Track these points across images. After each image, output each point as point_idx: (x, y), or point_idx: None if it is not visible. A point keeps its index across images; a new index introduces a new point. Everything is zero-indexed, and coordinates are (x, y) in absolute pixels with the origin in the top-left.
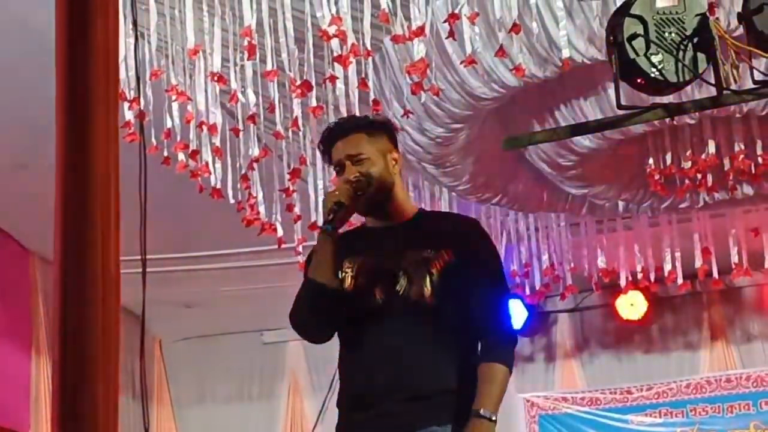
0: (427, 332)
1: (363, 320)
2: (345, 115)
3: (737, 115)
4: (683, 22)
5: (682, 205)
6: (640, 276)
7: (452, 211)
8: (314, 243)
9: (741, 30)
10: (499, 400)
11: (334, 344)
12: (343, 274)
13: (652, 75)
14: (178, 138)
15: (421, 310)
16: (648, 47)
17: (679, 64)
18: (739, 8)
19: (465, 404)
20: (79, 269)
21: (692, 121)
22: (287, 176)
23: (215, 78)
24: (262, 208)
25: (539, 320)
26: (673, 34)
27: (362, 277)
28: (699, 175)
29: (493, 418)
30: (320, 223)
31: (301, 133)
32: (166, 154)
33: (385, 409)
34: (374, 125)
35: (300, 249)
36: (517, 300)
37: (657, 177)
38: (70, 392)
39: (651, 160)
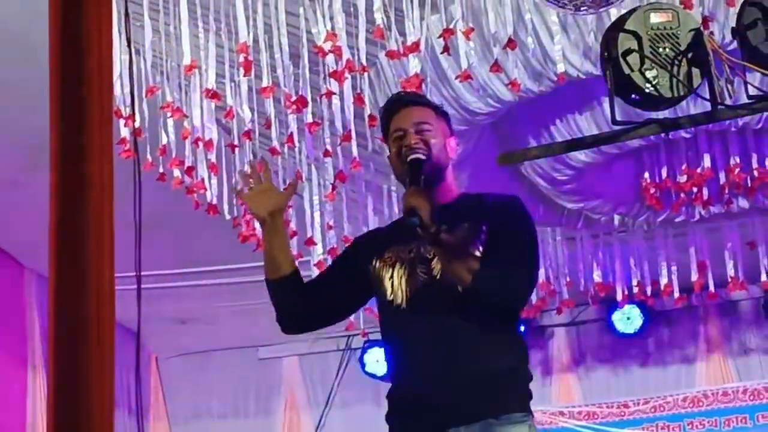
0: (470, 317)
1: (406, 311)
2: (341, 130)
3: (732, 130)
4: (677, 38)
5: (678, 219)
6: (636, 290)
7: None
8: (310, 258)
9: (735, 44)
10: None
11: (330, 360)
12: (380, 265)
13: (647, 90)
14: (174, 154)
15: (459, 295)
16: (642, 62)
17: (674, 80)
18: (733, 23)
19: (521, 384)
20: (74, 285)
21: (687, 136)
22: None
23: (210, 94)
24: (257, 224)
25: (536, 335)
26: (667, 50)
27: (399, 269)
28: (694, 189)
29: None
30: (316, 239)
31: (297, 149)
32: (161, 170)
33: (443, 401)
34: (440, 109)
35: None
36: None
37: (652, 191)
38: (65, 409)
39: (646, 174)
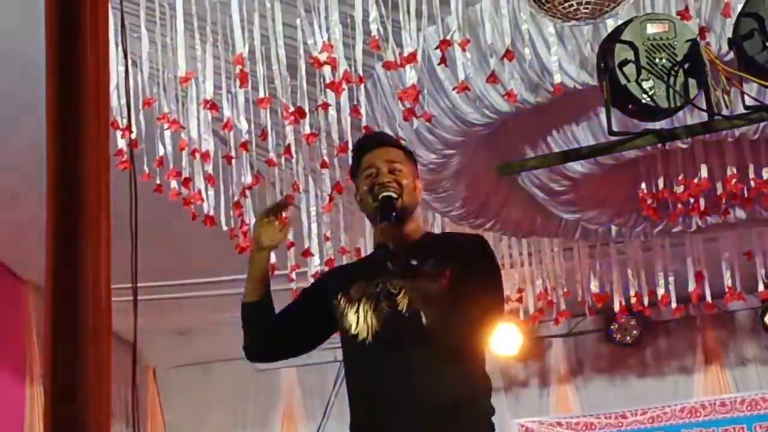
0: (434, 351)
1: (370, 346)
2: (338, 141)
3: (729, 140)
4: (674, 48)
5: (675, 229)
6: (633, 300)
7: (458, 232)
8: (306, 269)
9: (732, 55)
10: None
11: (327, 371)
12: (344, 301)
13: (644, 101)
14: (171, 166)
15: (424, 329)
16: (639, 73)
17: (670, 90)
18: (729, 33)
19: (482, 416)
20: (70, 297)
21: (684, 146)
22: None
23: (207, 106)
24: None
25: (533, 345)
26: (664, 60)
27: (364, 304)
28: (691, 199)
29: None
30: (313, 250)
31: (293, 160)
32: (158, 181)
33: None
34: (409, 151)
35: (293, 276)
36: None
37: (649, 201)
38: (62, 421)
39: (643, 185)
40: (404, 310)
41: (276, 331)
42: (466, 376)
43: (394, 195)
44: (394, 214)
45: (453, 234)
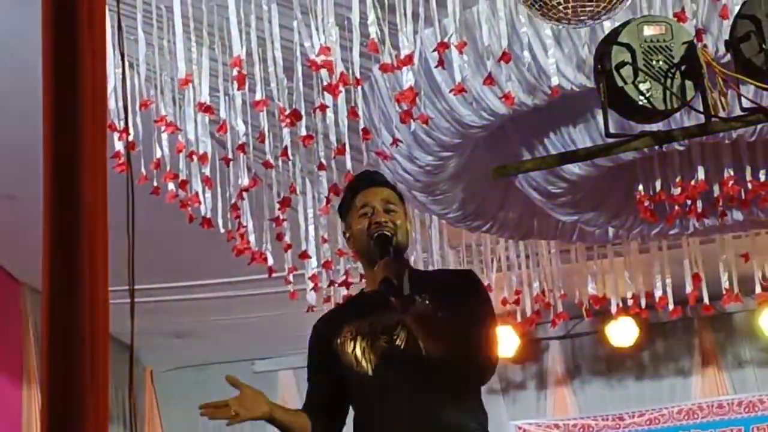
0: (434, 384)
1: (372, 380)
2: (335, 144)
3: (726, 142)
4: (671, 50)
5: (672, 232)
6: (630, 302)
7: (446, 268)
8: (304, 272)
9: (728, 57)
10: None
11: None
12: (342, 341)
13: (640, 103)
14: (168, 168)
15: (423, 365)
16: (636, 75)
17: (667, 92)
18: (726, 35)
19: None
20: (68, 299)
21: (681, 148)
22: (277, 205)
23: (204, 108)
24: (252, 238)
25: (530, 347)
26: (660, 62)
27: (362, 342)
28: (689, 202)
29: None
30: (311, 252)
31: (291, 163)
32: (155, 184)
33: None
34: (400, 192)
35: (290, 278)
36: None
37: (647, 203)
38: (59, 423)
39: (640, 187)
40: (402, 345)
41: (331, 422)
42: (465, 409)
43: (389, 234)
44: (392, 249)
45: (442, 270)
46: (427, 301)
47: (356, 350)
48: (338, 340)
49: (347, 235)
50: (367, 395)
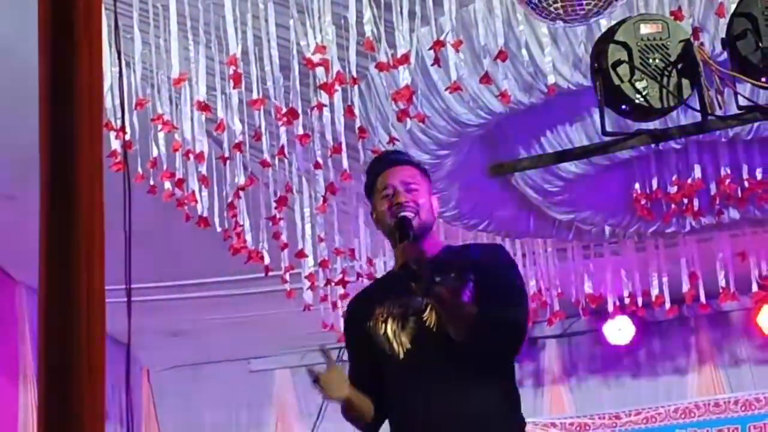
0: (465, 367)
1: (403, 363)
2: (332, 142)
3: (723, 140)
4: (667, 48)
5: (669, 230)
6: (627, 301)
7: (476, 242)
8: (300, 271)
9: (725, 55)
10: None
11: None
12: (374, 323)
13: (637, 101)
14: (165, 167)
15: (453, 347)
16: (632, 73)
17: (664, 90)
18: (723, 34)
19: (516, 427)
20: (64, 298)
21: (678, 146)
22: (274, 204)
23: (201, 107)
24: (248, 236)
25: (527, 346)
26: (657, 60)
27: (392, 324)
28: (685, 200)
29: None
30: (307, 251)
31: (287, 161)
32: (152, 182)
33: None
34: (424, 169)
35: (287, 277)
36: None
37: (643, 202)
38: (56, 422)
39: (637, 185)
40: (432, 326)
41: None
42: (497, 388)
43: (411, 214)
44: (411, 233)
45: (470, 245)
46: (448, 283)
47: (387, 332)
48: (370, 323)
49: (373, 216)
50: (398, 377)
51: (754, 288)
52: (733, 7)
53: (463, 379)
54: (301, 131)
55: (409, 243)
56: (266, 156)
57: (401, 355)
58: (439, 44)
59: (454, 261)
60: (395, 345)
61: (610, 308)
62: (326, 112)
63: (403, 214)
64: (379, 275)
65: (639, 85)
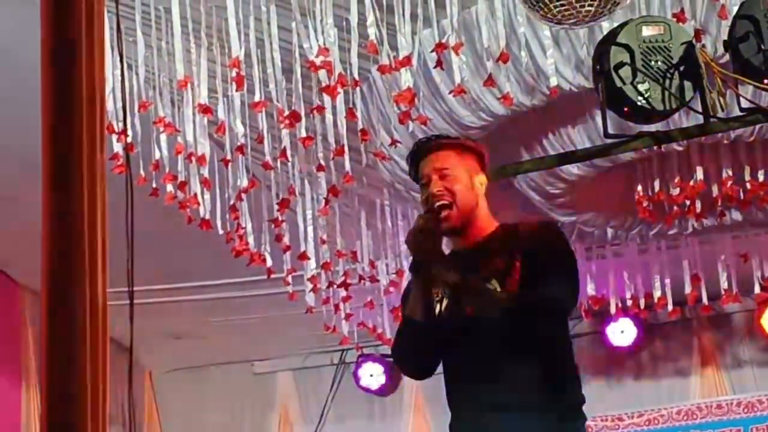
0: (519, 344)
1: (457, 343)
2: (333, 145)
3: (725, 142)
4: (669, 51)
5: (671, 232)
6: (629, 303)
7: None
8: (302, 273)
9: (727, 57)
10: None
11: (324, 375)
12: (435, 301)
13: (639, 103)
14: (167, 169)
15: (508, 323)
16: (635, 75)
17: (666, 93)
18: (725, 36)
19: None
20: (67, 301)
21: (680, 148)
22: (276, 207)
23: (203, 109)
24: (251, 239)
25: None
26: (659, 63)
27: (450, 301)
28: (687, 202)
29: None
30: (309, 254)
31: (289, 164)
32: (154, 185)
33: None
34: (464, 146)
35: (289, 279)
36: None
37: (645, 204)
38: (59, 426)
39: (639, 187)
40: (482, 312)
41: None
42: (549, 367)
43: (447, 202)
44: (445, 227)
45: (524, 224)
46: (501, 265)
47: (443, 312)
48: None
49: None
50: (452, 358)
51: (757, 290)
52: (736, 9)
53: (513, 358)
54: (303, 133)
55: (423, 239)
56: (268, 158)
57: (454, 336)
58: (441, 46)
59: (502, 245)
60: (450, 325)
61: (613, 310)
62: (328, 114)
63: (437, 204)
64: (380, 277)
65: (641, 87)
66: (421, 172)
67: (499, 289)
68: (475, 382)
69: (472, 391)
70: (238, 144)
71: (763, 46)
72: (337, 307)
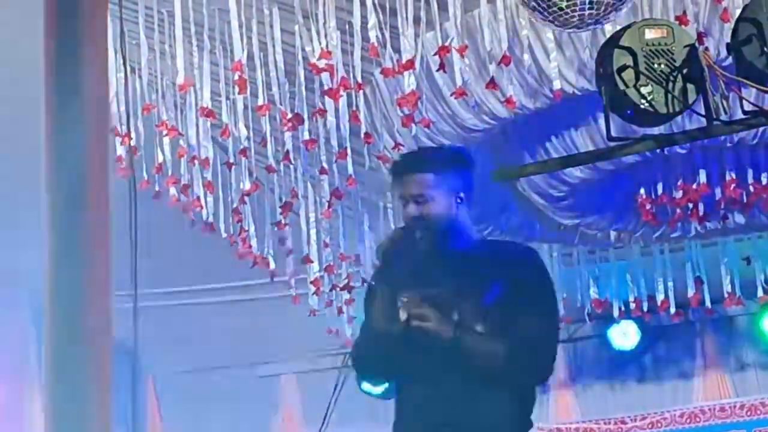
0: (470, 379)
1: (417, 355)
2: (337, 148)
3: (728, 145)
4: (672, 53)
5: (674, 235)
6: (632, 305)
7: (510, 241)
8: (306, 276)
9: (730, 60)
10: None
11: (327, 378)
12: (399, 306)
13: (642, 106)
14: (170, 172)
15: (461, 358)
16: (637, 78)
17: (669, 95)
18: (728, 39)
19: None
20: (71, 304)
21: (683, 151)
22: (279, 210)
23: (206, 113)
24: (254, 242)
25: None
26: (662, 65)
27: (416, 311)
28: (690, 205)
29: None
30: (313, 256)
31: (292, 167)
32: (157, 188)
33: None
34: (444, 162)
35: (292, 282)
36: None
37: (648, 207)
38: (62, 428)
39: (642, 190)
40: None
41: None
42: (508, 396)
43: (418, 226)
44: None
45: (502, 247)
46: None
47: (410, 321)
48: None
49: None
50: (412, 370)
51: (760, 292)
52: (738, 11)
53: (470, 392)
54: (306, 136)
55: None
56: (271, 161)
57: (418, 346)
58: (444, 49)
59: (481, 263)
60: (418, 334)
61: (616, 313)
62: (331, 117)
63: (410, 226)
64: None
65: (644, 90)
66: (400, 190)
67: (463, 323)
68: (426, 402)
69: (421, 409)
70: (241, 147)
71: (766, 49)
72: (340, 309)
